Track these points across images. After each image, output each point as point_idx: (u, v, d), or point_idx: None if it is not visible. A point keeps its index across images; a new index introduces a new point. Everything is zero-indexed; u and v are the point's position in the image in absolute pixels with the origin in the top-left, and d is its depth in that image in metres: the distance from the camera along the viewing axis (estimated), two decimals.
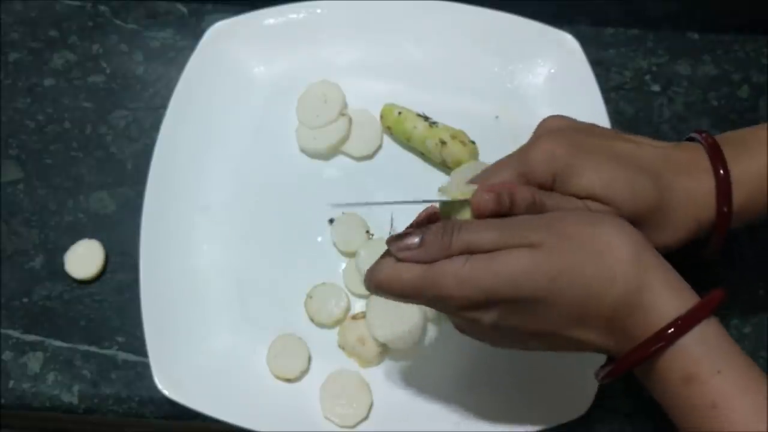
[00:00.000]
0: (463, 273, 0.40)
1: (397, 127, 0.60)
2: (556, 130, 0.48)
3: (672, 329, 0.39)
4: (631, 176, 0.45)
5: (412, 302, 0.43)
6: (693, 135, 0.49)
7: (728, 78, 0.66)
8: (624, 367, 0.41)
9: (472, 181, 0.46)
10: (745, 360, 0.39)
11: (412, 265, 0.42)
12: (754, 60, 0.67)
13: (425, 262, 0.41)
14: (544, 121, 0.49)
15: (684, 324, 0.39)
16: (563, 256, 0.40)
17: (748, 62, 0.67)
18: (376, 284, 0.43)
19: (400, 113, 0.60)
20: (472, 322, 0.42)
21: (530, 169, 0.45)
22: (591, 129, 0.49)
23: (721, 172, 0.46)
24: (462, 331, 0.45)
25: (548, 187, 0.45)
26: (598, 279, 0.40)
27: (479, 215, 0.43)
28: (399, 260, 0.42)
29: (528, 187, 0.44)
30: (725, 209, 0.46)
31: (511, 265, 0.40)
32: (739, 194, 0.46)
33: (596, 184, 0.44)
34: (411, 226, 0.47)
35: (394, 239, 0.42)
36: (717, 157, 0.46)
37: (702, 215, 0.46)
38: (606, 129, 0.50)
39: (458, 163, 0.57)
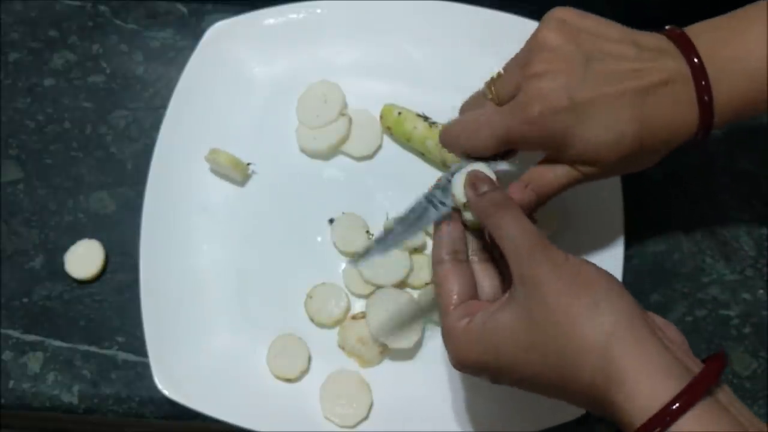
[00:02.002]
0: (461, 337, 0.43)
1: (397, 127, 0.60)
2: (556, 51, 0.46)
3: (651, 425, 0.36)
4: (617, 136, 0.45)
5: None
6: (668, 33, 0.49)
7: None
8: None
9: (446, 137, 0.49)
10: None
11: (452, 280, 0.45)
12: None
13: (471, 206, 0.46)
14: (551, 21, 0.48)
15: (661, 421, 0.36)
16: (540, 328, 0.39)
17: None
18: (433, 273, 0.46)
19: (400, 113, 0.60)
20: (477, 376, 0.44)
21: (524, 133, 0.46)
22: (592, 49, 0.47)
23: (695, 60, 0.46)
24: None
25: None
26: (565, 361, 0.39)
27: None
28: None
29: (519, 185, 0.48)
30: (705, 98, 0.46)
31: (497, 332, 0.41)
32: (720, 86, 0.46)
33: (585, 152, 0.46)
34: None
35: (477, 172, 0.47)
36: (689, 49, 0.46)
37: (689, 131, 0.47)
38: (614, 35, 0.48)
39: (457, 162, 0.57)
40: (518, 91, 0.47)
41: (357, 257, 0.48)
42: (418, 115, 0.60)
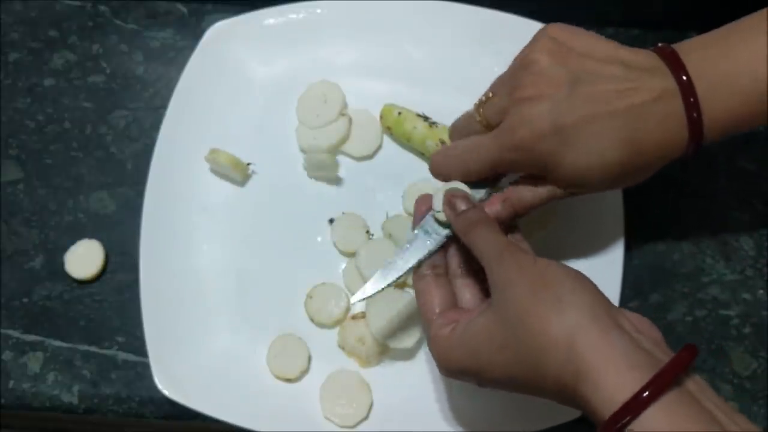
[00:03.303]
0: (443, 344, 0.44)
1: (397, 128, 0.60)
2: (550, 76, 0.46)
3: (619, 419, 0.36)
4: (604, 160, 0.46)
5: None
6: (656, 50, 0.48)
7: None
8: None
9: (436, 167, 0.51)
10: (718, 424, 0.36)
11: (434, 292, 0.47)
12: None
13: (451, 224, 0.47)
14: (543, 35, 0.49)
15: (628, 412, 0.36)
16: (510, 327, 0.41)
17: None
18: (414, 289, 0.49)
19: (400, 113, 0.60)
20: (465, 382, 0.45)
21: (512, 158, 0.47)
22: (580, 70, 0.47)
23: (683, 78, 0.46)
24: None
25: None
26: (532, 358, 0.40)
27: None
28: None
29: (500, 198, 0.49)
30: (695, 115, 0.46)
31: (474, 339, 0.42)
32: (710, 103, 0.46)
33: (571, 177, 0.47)
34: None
35: (453, 193, 0.48)
36: (678, 67, 0.46)
37: (677, 145, 0.47)
38: (599, 52, 0.48)
39: None
40: (506, 115, 0.47)
41: (360, 297, 0.49)
42: (418, 115, 0.60)
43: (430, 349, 0.46)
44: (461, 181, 0.50)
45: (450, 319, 0.45)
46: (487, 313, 0.43)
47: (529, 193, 0.49)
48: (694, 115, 0.46)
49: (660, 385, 0.36)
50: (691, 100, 0.46)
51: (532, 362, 0.40)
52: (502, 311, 0.41)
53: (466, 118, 0.52)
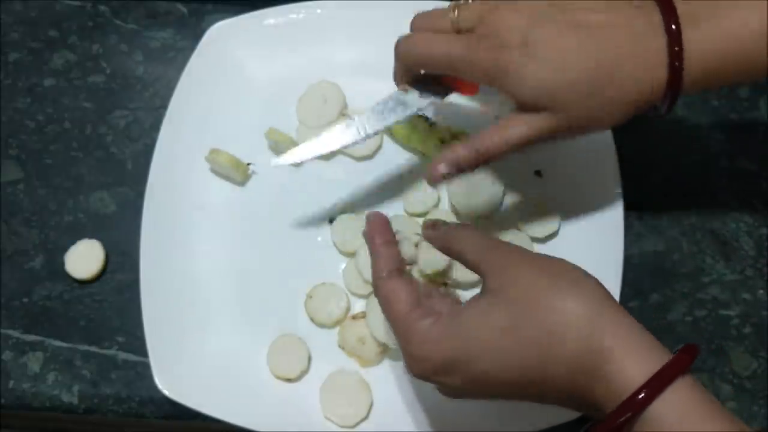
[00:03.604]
0: (428, 335, 0.41)
1: (397, 127, 0.60)
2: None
3: (637, 398, 0.36)
4: (570, 77, 0.45)
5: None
6: None
7: None
8: None
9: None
10: (727, 420, 0.37)
11: (404, 290, 0.44)
12: None
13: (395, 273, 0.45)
14: None
15: (649, 392, 0.36)
16: (516, 309, 0.39)
17: None
18: (374, 286, 0.45)
19: None
20: (443, 386, 0.43)
21: (475, 62, 0.47)
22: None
23: (673, 27, 0.44)
24: (445, 394, 0.45)
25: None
26: (549, 339, 0.39)
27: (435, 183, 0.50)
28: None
29: (466, 145, 0.48)
30: (677, 64, 0.44)
31: (467, 327, 0.40)
32: (695, 56, 0.45)
33: (533, 96, 0.46)
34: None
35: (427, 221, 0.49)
36: (669, 13, 0.45)
37: (653, 77, 0.45)
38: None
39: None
40: (480, 23, 0.47)
41: (295, 159, 0.52)
42: (419, 116, 0.60)
43: (406, 346, 0.42)
44: (416, 71, 0.51)
45: (427, 312, 0.42)
46: (481, 300, 0.41)
47: (495, 137, 0.48)
48: (676, 48, 0.44)
49: (683, 363, 0.37)
50: (673, 27, 0.44)
51: (544, 342, 0.38)
52: (504, 294, 0.40)
53: (438, 14, 0.50)
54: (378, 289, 0.45)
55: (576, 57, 0.45)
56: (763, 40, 0.44)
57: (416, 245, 0.53)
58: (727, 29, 0.45)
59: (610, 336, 0.38)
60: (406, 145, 0.61)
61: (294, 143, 0.59)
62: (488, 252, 0.43)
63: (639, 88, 0.46)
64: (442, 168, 0.48)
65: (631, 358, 0.37)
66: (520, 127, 0.47)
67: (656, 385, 0.36)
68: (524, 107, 0.47)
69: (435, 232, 0.47)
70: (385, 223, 0.47)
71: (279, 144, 0.59)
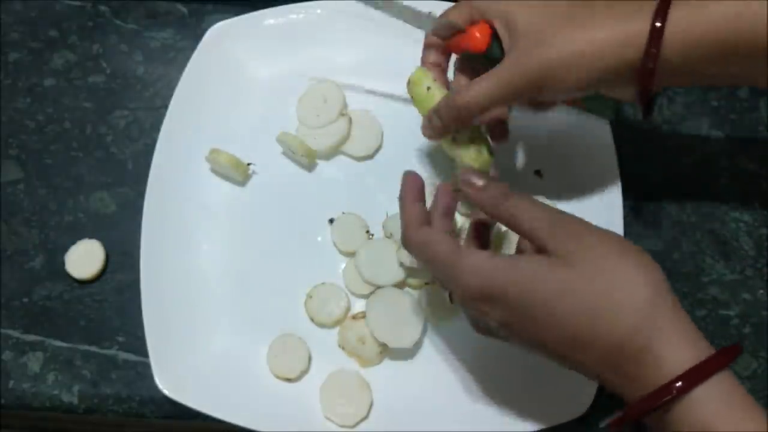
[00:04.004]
0: (483, 264, 0.42)
1: (420, 101, 0.55)
2: None
3: (684, 380, 0.38)
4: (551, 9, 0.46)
5: (434, 273, 0.46)
6: None
7: None
8: (633, 415, 0.40)
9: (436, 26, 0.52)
10: (761, 415, 0.38)
11: (445, 236, 0.44)
12: None
13: (474, 203, 0.45)
14: None
15: (697, 376, 0.38)
16: (579, 278, 0.40)
17: None
18: (408, 239, 0.46)
19: (429, 89, 0.54)
20: (481, 316, 0.43)
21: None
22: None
23: (657, 24, 0.44)
24: (477, 328, 0.46)
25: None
26: (606, 310, 0.39)
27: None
28: (459, 190, 0.46)
29: (446, 95, 0.51)
30: (658, 24, 0.44)
31: (527, 270, 0.41)
32: (676, 35, 0.44)
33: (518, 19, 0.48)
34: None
35: (467, 171, 0.46)
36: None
37: (635, 29, 0.44)
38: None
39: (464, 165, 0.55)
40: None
41: None
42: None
43: (451, 275, 0.43)
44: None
45: (476, 238, 0.44)
46: (544, 257, 0.41)
47: (469, 91, 0.48)
48: (657, 24, 0.44)
49: (728, 356, 0.39)
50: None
51: (602, 311, 0.39)
52: (573, 258, 0.40)
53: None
54: (410, 239, 0.45)
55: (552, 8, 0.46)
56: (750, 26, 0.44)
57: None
58: (714, 14, 0.44)
59: (664, 320, 0.39)
60: (406, 144, 0.61)
61: (306, 146, 0.59)
62: (555, 225, 0.42)
63: (619, 39, 0.45)
64: (426, 123, 0.51)
65: (678, 347, 0.39)
66: (489, 78, 0.48)
67: (696, 375, 0.38)
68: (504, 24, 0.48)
69: (479, 193, 0.45)
70: (418, 185, 0.48)
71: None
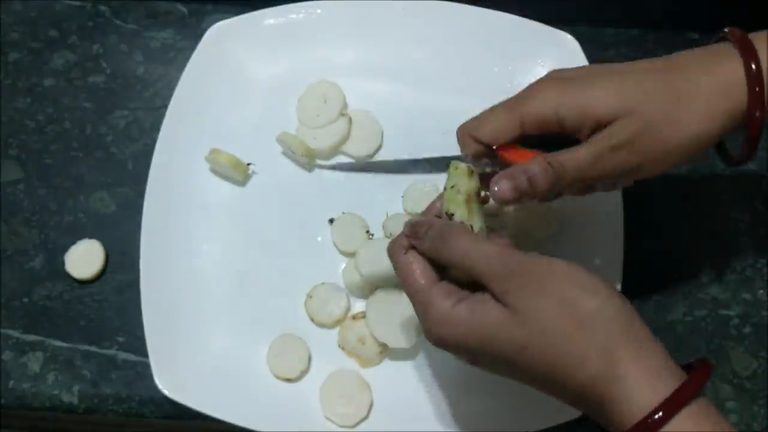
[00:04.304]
0: (448, 316, 0.41)
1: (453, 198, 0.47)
2: (557, 73, 0.48)
3: (650, 422, 0.37)
4: (637, 78, 0.44)
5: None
6: (721, 34, 0.47)
7: None
8: None
9: (465, 127, 0.48)
10: None
11: (422, 265, 0.43)
12: None
13: (425, 253, 0.43)
14: (547, 74, 0.48)
15: (662, 416, 0.37)
16: (533, 335, 0.39)
17: None
18: (392, 258, 0.45)
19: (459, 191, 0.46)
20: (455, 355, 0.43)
21: (532, 109, 0.45)
22: (593, 66, 0.49)
23: (750, 58, 0.43)
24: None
25: (554, 127, 0.45)
26: (565, 364, 0.39)
27: (504, 203, 0.44)
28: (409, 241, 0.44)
29: (536, 157, 0.44)
30: (756, 89, 0.43)
31: (485, 327, 0.40)
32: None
33: (607, 101, 0.44)
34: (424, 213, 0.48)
35: (413, 221, 0.44)
36: (744, 44, 0.44)
37: (731, 101, 0.44)
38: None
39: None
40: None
41: None
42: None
43: (425, 315, 0.42)
44: (479, 147, 0.47)
45: (449, 293, 0.42)
46: (504, 311, 0.40)
47: (568, 153, 0.44)
48: (754, 71, 0.44)
49: (689, 392, 0.37)
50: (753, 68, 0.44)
51: (563, 364, 0.39)
52: (524, 317, 0.39)
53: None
54: (395, 260, 0.45)
55: (638, 82, 0.45)
56: None
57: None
58: None
59: (624, 362, 0.38)
60: (406, 144, 0.61)
61: (305, 146, 0.59)
62: (498, 272, 0.41)
63: (715, 119, 0.44)
64: (507, 185, 0.44)
65: (643, 384, 0.38)
66: (596, 139, 0.45)
67: (666, 409, 0.37)
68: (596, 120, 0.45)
69: (421, 242, 0.43)
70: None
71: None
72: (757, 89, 0.43)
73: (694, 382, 0.38)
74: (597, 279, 0.40)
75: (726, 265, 0.60)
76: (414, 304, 0.44)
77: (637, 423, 0.37)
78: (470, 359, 0.43)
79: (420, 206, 0.59)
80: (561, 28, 0.63)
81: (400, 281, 0.45)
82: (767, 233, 0.61)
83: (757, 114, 0.44)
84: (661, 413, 0.36)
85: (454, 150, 0.61)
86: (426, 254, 0.44)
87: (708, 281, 0.59)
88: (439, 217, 0.46)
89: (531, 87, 0.47)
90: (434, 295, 0.42)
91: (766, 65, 0.44)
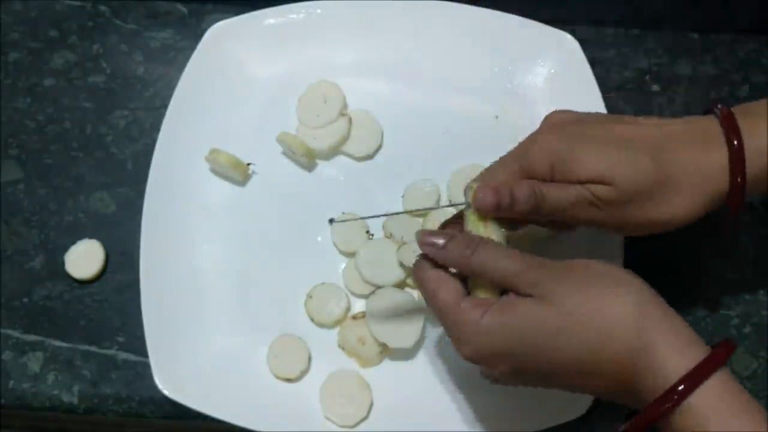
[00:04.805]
0: (478, 328, 0.42)
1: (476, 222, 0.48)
2: (558, 123, 0.49)
3: (677, 390, 0.39)
4: (630, 155, 0.45)
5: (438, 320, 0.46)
6: (711, 107, 0.48)
7: (728, 78, 0.66)
8: (637, 428, 0.41)
9: (473, 181, 0.48)
10: (758, 412, 0.39)
11: (447, 282, 0.44)
12: (754, 60, 0.67)
13: (440, 264, 0.45)
14: (548, 116, 0.50)
15: (688, 384, 0.39)
16: (566, 313, 0.41)
17: (748, 62, 0.67)
18: (418, 280, 0.46)
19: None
20: (489, 370, 0.44)
21: (530, 163, 0.46)
22: (592, 117, 0.49)
23: (735, 142, 0.45)
24: (488, 379, 0.46)
25: (549, 179, 0.46)
26: (597, 339, 0.41)
27: (482, 213, 0.45)
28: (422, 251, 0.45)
29: (526, 181, 0.46)
30: (739, 180, 0.45)
31: (517, 322, 0.42)
32: (753, 165, 0.45)
33: (595, 167, 0.45)
34: (442, 226, 0.51)
35: (425, 233, 0.45)
36: (731, 127, 0.45)
37: (713, 187, 0.46)
38: (609, 115, 0.51)
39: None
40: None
41: None
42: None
43: (458, 334, 0.43)
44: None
45: (477, 304, 0.43)
46: (530, 304, 0.42)
47: (556, 189, 0.46)
48: (737, 161, 0.45)
49: (717, 361, 0.39)
50: (735, 144, 0.45)
51: (597, 340, 0.40)
52: (553, 303, 0.41)
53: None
54: (419, 280, 0.46)
55: (634, 148, 0.45)
56: None
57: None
58: None
59: (653, 333, 0.40)
60: (406, 144, 0.61)
61: (305, 146, 0.59)
62: (526, 271, 0.42)
63: (697, 200, 0.46)
64: (491, 197, 0.45)
65: (671, 354, 0.40)
66: (578, 187, 0.46)
67: (694, 378, 0.39)
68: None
69: (443, 252, 0.44)
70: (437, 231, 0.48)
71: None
72: (739, 180, 0.45)
73: (718, 355, 0.40)
74: (614, 266, 0.43)
75: (726, 265, 0.60)
76: (443, 324, 0.45)
77: (665, 393, 0.39)
78: (511, 369, 0.43)
79: (420, 206, 0.59)
80: (561, 28, 0.63)
81: (426, 302, 0.46)
82: (767, 233, 0.61)
83: (736, 201, 0.46)
84: (686, 383, 0.38)
85: (454, 149, 0.61)
86: (451, 264, 0.45)
87: (708, 281, 0.59)
88: None
89: (530, 139, 0.48)
90: (462, 311, 0.43)
91: (756, 142, 0.45)
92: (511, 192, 0.45)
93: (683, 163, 0.45)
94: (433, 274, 0.45)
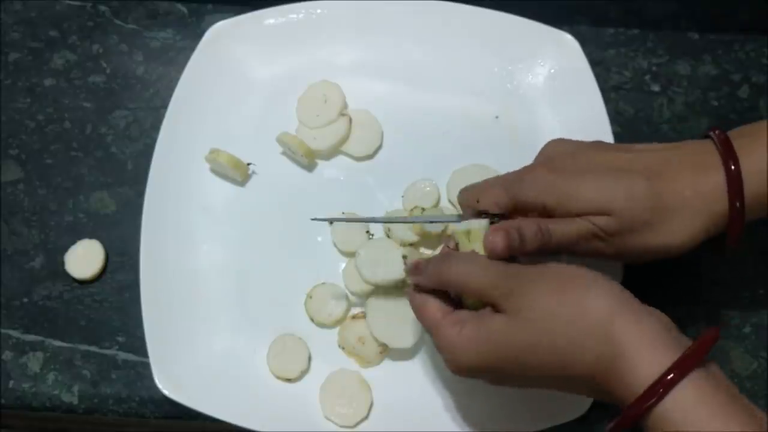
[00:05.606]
0: (456, 343, 0.44)
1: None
2: (553, 157, 0.49)
3: (647, 396, 0.38)
4: (628, 184, 0.45)
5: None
6: (707, 133, 0.48)
7: (728, 78, 0.66)
8: (624, 425, 0.41)
9: (466, 197, 0.49)
10: (737, 410, 0.38)
11: (432, 301, 0.46)
12: (754, 60, 0.67)
13: (425, 287, 0.47)
14: (543, 148, 0.51)
15: (658, 390, 0.38)
16: (537, 329, 0.41)
17: (748, 62, 0.67)
18: (410, 304, 0.48)
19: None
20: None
21: (523, 195, 0.47)
22: (588, 147, 0.49)
23: (732, 167, 0.45)
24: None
25: (543, 214, 0.47)
26: (567, 351, 0.41)
27: (494, 256, 0.45)
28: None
29: (532, 219, 0.46)
30: (737, 204, 0.45)
31: (491, 336, 0.42)
32: (751, 187, 0.45)
33: (594, 199, 0.45)
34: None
35: (410, 264, 0.48)
36: (728, 151, 0.46)
37: (713, 211, 0.46)
38: (604, 144, 0.50)
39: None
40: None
41: None
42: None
43: (442, 350, 0.45)
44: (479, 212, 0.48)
45: (456, 320, 0.44)
46: (499, 319, 0.43)
47: (561, 224, 0.46)
48: (732, 167, 0.45)
49: (689, 362, 0.38)
50: (732, 168, 0.45)
51: (567, 352, 0.41)
52: (523, 315, 0.42)
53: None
54: (412, 296, 0.47)
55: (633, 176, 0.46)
56: None
57: (404, 257, 0.53)
58: None
59: (624, 337, 0.40)
60: (406, 145, 0.61)
61: (305, 146, 0.59)
62: (496, 281, 0.43)
63: (697, 225, 0.46)
64: (502, 241, 0.45)
65: (644, 357, 0.39)
66: (580, 220, 0.46)
67: (661, 384, 0.38)
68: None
69: (422, 276, 0.47)
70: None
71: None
72: (738, 204, 0.45)
73: (695, 352, 0.39)
74: (585, 270, 0.43)
75: (726, 265, 0.60)
76: (433, 341, 0.46)
77: (639, 397, 0.38)
78: (492, 378, 0.45)
79: (420, 206, 0.59)
80: (561, 28, 0.63)
81: (417, 315, 0.47)
82: (767, 233, 0.61)
83: (737, 227, 0.47)
84: (661, 384, 0.38)
85: (454, 149, 0.61)
86: (429, 285, 0.46)
87: (708, 281, 0.59)
88: None
89: (524, 171, 0.48)
90: (443, 327, 0.45)
91: (755, 167, 0.45)
92: (520, 233, 0.45)
93: (681, 189, 0.46)
94: (417, 297, 0.47)
